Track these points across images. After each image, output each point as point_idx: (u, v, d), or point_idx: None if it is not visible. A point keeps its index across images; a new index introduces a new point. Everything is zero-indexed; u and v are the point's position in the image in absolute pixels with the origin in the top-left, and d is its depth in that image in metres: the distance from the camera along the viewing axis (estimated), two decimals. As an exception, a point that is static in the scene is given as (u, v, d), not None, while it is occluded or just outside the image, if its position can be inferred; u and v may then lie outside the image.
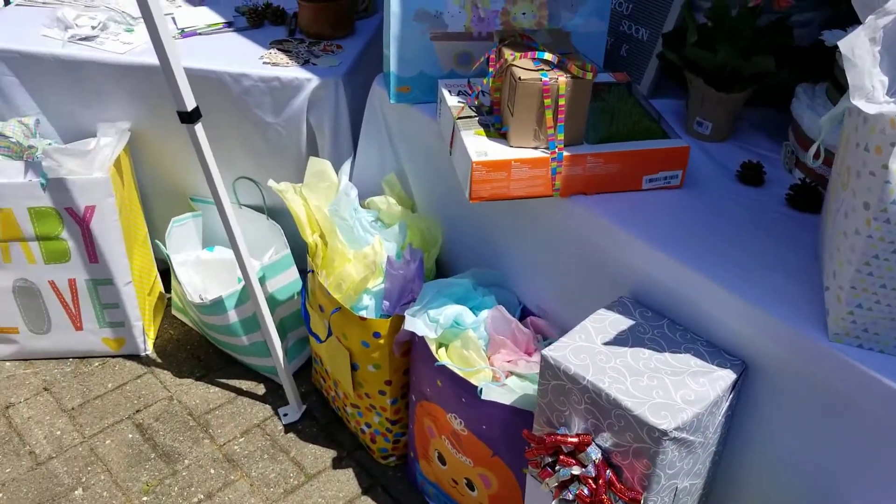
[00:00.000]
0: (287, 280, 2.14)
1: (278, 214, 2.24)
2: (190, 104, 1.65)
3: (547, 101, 1.38)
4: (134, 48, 2.03)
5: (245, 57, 2.03)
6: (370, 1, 2.24)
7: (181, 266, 2.16)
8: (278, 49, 2.05)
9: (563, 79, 1.37)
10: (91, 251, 2.09)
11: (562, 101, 1.38)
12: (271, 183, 1.84)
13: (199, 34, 2.12)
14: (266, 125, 2.03)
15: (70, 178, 1.98)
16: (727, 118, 1.64)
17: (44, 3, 2.23)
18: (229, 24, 2.17)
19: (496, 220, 1.68)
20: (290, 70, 1.96)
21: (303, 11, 2.10)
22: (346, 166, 1.82)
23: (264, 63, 1.99)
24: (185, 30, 2.12)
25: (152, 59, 1.99)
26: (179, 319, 2.39)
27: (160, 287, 2.43)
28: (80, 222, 2.04)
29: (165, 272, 2.33)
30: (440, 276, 1.87)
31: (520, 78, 1.37)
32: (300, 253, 2.06)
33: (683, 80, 1.73)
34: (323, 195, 1.85)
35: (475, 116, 1.52)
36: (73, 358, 2.27)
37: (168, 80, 1.62)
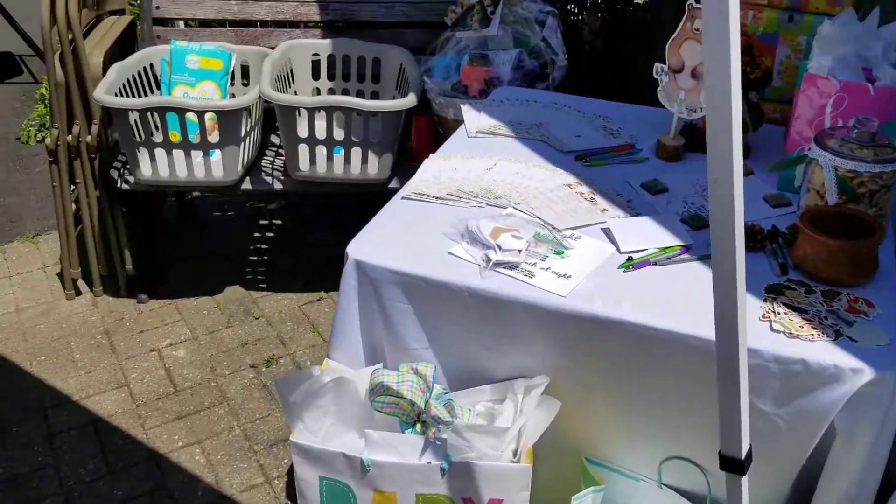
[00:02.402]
0: None
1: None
2: (745, 447, 1.04)
3: None
4: (577, 287, 1.47)
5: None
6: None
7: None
8: (783, 303, 1.42)
9: None
10: (480, 549, 1.53)
11: None
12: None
13: (655, 264, 1.54)
14: (756, 412, 1.40)
15: (480, 463, 1.44)
16: None
17: (437, 197, 1.76)
18: (686, 248, 1.58)
19: None
20: (819, 349, 1.32)
21: (814, 246, 1.46)
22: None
23: (774, 329, 1.36)
24: (634, 258, 1.55)
25: (608, 311, 1.44)
26: None
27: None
28: (477, 515, 1.49)
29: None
30: None
31: None
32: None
33: None
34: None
35: None
36: None
37: (722, 414, 1.02)
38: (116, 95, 2.43)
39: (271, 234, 3.26)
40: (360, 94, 2.90)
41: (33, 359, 2.58)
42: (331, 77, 2.91)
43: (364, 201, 3.49)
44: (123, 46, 2.79)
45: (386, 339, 1.64)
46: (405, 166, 2.69)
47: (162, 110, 2.35)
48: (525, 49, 2.68)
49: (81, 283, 2.90)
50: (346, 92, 2.91)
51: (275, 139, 2.91)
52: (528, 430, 1.47)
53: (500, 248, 1.51)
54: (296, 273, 3.00)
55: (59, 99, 2.53)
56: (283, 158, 2.77)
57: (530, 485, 1.45)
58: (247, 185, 2.62)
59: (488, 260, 1.51)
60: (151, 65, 2.72)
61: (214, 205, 3.46)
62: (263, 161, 2.75)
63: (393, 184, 2.62)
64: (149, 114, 2.39)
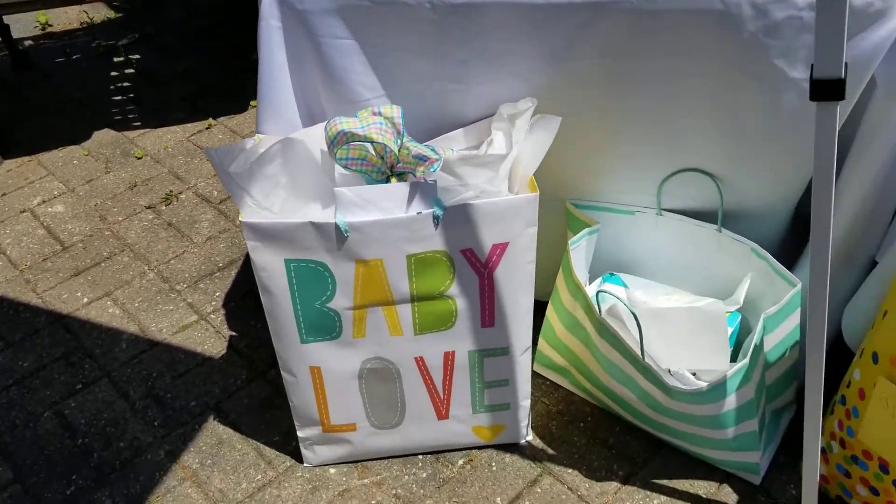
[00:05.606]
0: (787, 330, 1.36)
1: (735, 220, 1.44)
2: (841, 67, 0.84)
3: None
4: (559, -27, 1.21)
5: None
6: None
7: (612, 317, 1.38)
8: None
9: None
10: (487, 310, 1.32)
11: None
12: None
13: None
14: (781, 85, 1.21)
15: (480, 202, 1.19)
16: None
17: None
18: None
19: None
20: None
21: None
22: None
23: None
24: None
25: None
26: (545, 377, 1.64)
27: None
28: (481, 269, 1.26)
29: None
30: None
31: None
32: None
33: None
34: None
35: None
36: (423, 455, 1.53)
37: (819, 25, 0.80)
38: None
39: (132, 71, 2.78)
40: None
41: None
42: None
43: (228, 25, 3.06)
44: None
45: (326, 94, 1.33)
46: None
47: None
48: None
49: None
50: None
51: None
52: (525, 157, 1.24)
53: (456, -58, 1.21)
54: (173, 106, 2.58)
55: None
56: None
57: (537, 218, 1.23)
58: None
59: (447, -41, 1.21)
60: None
61: (53, 51, 2.91)
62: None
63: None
64: None
